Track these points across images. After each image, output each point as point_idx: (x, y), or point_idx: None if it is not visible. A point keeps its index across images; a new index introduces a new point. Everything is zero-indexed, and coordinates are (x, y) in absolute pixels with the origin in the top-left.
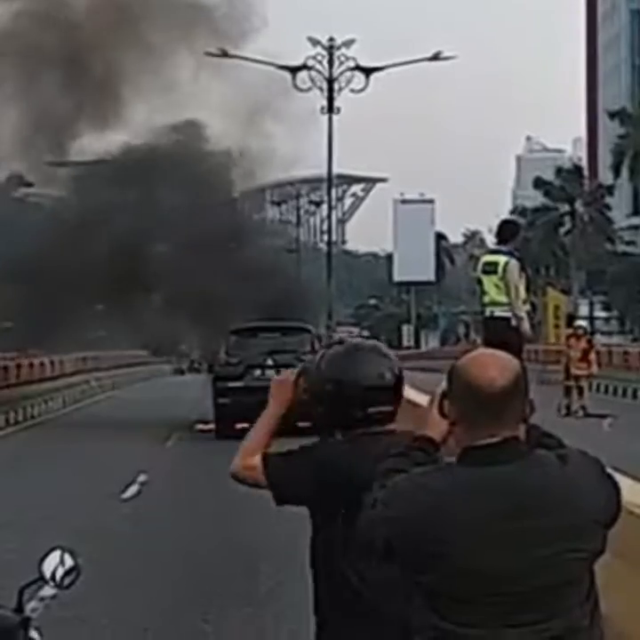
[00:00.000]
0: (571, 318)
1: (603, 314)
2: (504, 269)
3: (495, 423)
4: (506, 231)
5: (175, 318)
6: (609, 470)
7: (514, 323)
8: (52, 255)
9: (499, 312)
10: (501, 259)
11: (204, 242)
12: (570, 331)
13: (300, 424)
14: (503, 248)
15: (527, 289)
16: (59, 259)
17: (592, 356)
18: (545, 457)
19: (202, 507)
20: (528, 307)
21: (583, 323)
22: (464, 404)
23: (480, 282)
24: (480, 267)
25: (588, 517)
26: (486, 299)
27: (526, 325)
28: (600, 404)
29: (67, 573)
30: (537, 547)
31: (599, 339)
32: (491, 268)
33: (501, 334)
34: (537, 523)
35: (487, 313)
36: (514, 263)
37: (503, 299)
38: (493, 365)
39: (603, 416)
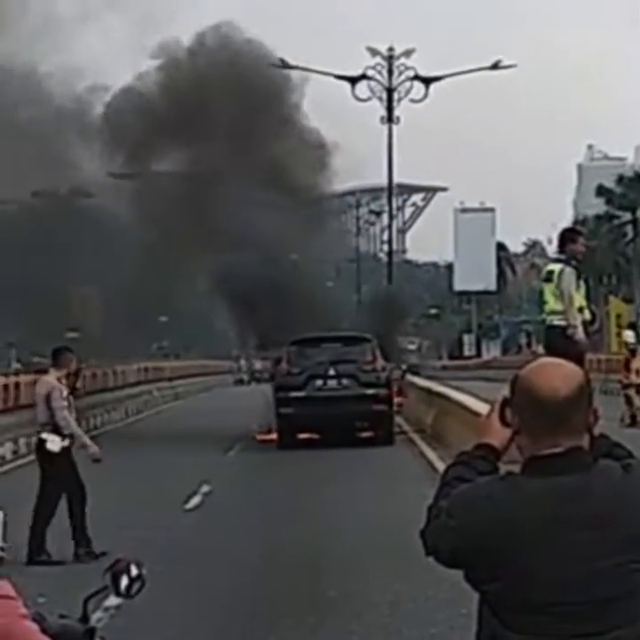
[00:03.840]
0: (633, 327)
1: None
2: (559, 277)
3: (559, 433)
4: (563, 237)
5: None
6: None
7: (569, 331)
8: (120, 267)
9: (556, 321)
10: (556, 267)
11: (267, 252)
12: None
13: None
14: (562, 256)
15: (587, 297)
16: (128, 270)
17: (635, 364)
18: (609, 467)
19: (265, 517)
20: (587, 315)
21: (630, 333)
22: (527, 413)
23: (542, 291)
24: (543, 275)
25: None
26: (547, 308)
27: (580, 334)
28: None
29: (132, 583)
30: (600, 557)
31: None
32: (549, 277)
33: (559, 343)
34: (601, 533)
35: (547, 321)
36: (569, 271)
37: (560, 307)
38: (556, 375)
39: None
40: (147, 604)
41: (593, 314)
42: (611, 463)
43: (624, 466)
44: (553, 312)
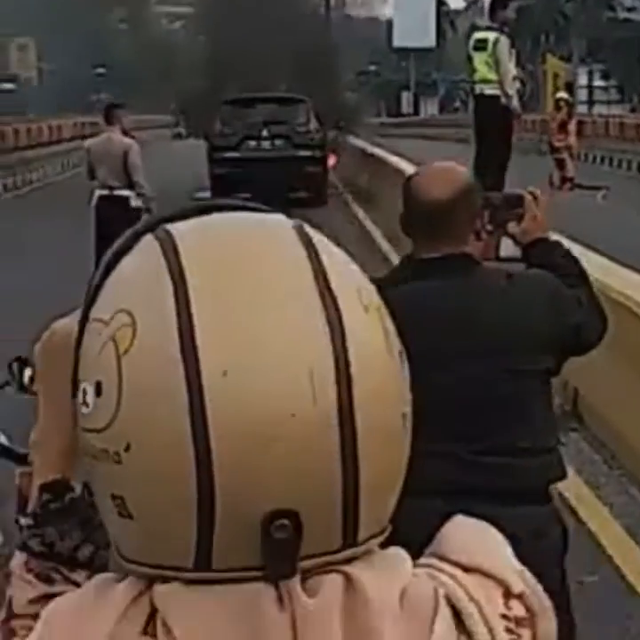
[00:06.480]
0: (568, 87)
1: (602, 82)
2: (494, 46)
3: (436, 238)
4: (493, 4)
5: None
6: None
7: (503, 101)
8: None
9: (488, 90)
10: (491, 35)
11: None
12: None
13: None
14: (494, 25)
15: (517, 63)
16: None
17: (571, 126)
18: (491, 274)
19: None
20: (518, 84)
21: (565, 95)
22: (410, 216)
23: (471, 59)
24: (472, 43)
25: (527, 337)
26: (477, 76)
27: (515, 102)
28: (595, 176)
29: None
30: (470, 363)
31: (597, 109)
32: (481, 45)
33: (491, 112)
34: (472, 340)
35: (477, 90)
36: (504, 40)
37: (493, 76)
38: (438, 179)
39: (596, 188)
40: None
41: (522, 81)
42: (495, 271)
43: (508, 274)
44: (484, 80)
